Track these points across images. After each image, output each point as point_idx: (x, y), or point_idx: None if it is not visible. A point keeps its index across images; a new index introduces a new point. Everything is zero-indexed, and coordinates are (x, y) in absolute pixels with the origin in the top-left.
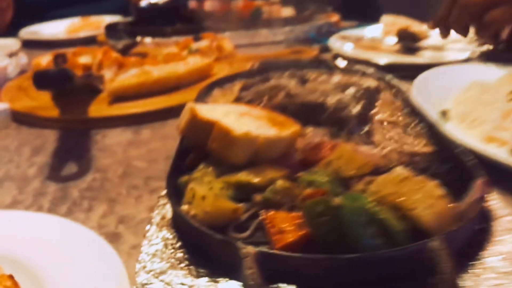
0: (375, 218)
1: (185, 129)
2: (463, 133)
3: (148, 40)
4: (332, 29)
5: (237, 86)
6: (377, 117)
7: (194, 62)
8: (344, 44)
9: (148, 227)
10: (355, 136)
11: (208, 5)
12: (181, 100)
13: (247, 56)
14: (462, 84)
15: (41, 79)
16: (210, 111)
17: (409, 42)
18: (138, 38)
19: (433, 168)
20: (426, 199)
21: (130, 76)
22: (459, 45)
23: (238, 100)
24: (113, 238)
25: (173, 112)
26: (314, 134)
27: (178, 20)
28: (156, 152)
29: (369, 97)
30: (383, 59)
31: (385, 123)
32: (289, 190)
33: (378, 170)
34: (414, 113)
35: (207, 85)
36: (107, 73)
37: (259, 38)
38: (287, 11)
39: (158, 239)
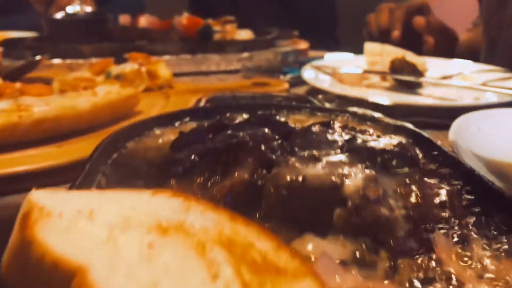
0: None
1: (8, 268)
2: None
3: (56, 60)
4: (301, 59)
5: (164, 137)
6: (435, 216)
7: (107, 93)
8: (319, 76)
9: None
10: (407, 263)
11: (144, 21)
12: (79, 154)
13: (191, 87)
14: None
15: None
16: (78, 220)
17: (407, 76)
18: (38, 57)
19: None
20: None
21: None
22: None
23: (161, 175)
24: None
25: (63, 175)
26: (324, 262)
27: (104, 38)
28: None
29: (417, 174)
30: (383, 98)
31: (451, 229)
32: None
33: None
34: (491, 201)
35: (107, 138)
36: None
37: (209, 65)
38: (245, 34)
39: None
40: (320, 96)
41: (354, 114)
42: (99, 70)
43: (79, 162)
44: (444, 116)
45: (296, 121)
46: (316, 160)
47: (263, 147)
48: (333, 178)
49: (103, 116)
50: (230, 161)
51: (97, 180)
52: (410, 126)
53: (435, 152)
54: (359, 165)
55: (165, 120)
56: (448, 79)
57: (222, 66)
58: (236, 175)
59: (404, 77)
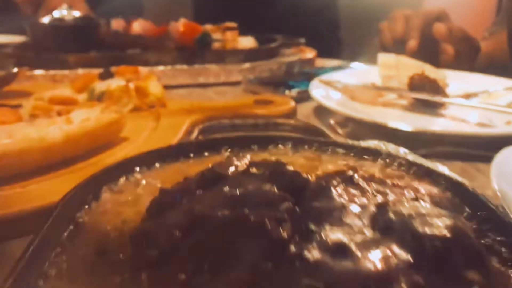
0: None
1: None
2: None
3: (38, 71)
4: (306, 70)
5: (145, 185)
6: None
7: (84, 120)
8: (329, 92)
9: None
10: None
11: (137, 27)
12: (46, 199)
13: (186, 106)
14: None
15: None
16: None
17: (429, 96)
18: (15, 69)
19: None
20: None
21: None
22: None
23: (133, 260)
24: None
25: (24, 225)
26: None
27: (93, 45)
28: None
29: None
30: (404, 125)
31: None
32: None
33: None
34: None
35: (66, 198)
36: None
37: (207, 76)
38: (247, 41)
39: None
40: (331, 121)
41: (377, 155)
42: (82, 87)
43: (46, 209)
44: (475, 145)
45: (308, 160)
46: (341, 251)
47: (268, 225)
48: None
49: (79, 148)
50: (223, 248)
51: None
52: (448, 173)
53: (486, 216)
54: (402, 262)
55: (148, 160)
56: (473, 97)
57: (221, 78)
58: (231, 276)
59: (427, 97)
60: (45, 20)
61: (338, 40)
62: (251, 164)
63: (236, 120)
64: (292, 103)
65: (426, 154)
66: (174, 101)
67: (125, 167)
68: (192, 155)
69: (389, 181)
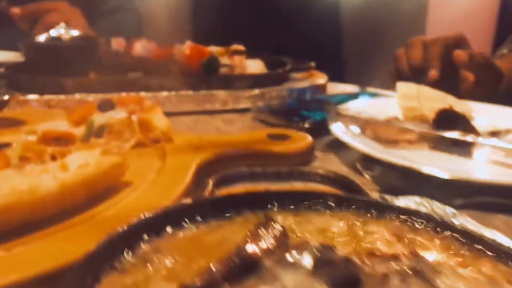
0: None
1: None
2: None
3: (32, 96)
4: (319, 97)
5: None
6: None
7: (81, 166)
8: (350, 128)
9: None
10: None
11: (139, 48)
12: (35, 267)
13: (193, 141)
14: None
15: None
16: None
17: (462, 135)
18: (6, 97)
19: None
20: None
21: None
22: None
23: None
24: None
25: None
26: None
27: (93, 67)
28: None
29: None
30: (438, 170)
31: None
32: None
33: None
34: None
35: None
36: None
37: (214, 103)
38: (255, 65)
39: None
40: (358, 165)
41: (430, 222)
42: (79, 119)
43: (35, 280)
44: None
45: (349, 228)
46: None
47: None
48: None
49: (76, 199)
50: None
51: None
52: None
53: None
54: None
55: (158, 224)
56: (504, 134)
57: (229, 105)
58: None
59: (461, 138)
60: (41, 39)
61: (342, 62)
62: (289, 246)
63: (256, 168)
64: (309, 138)
65: (464, 205)
66: (180, 135)
67: (130, 236)
68: (210, 216)
69: (460, 270)
